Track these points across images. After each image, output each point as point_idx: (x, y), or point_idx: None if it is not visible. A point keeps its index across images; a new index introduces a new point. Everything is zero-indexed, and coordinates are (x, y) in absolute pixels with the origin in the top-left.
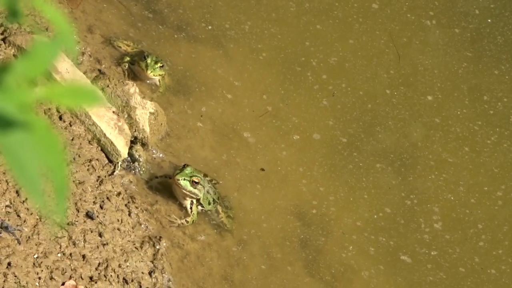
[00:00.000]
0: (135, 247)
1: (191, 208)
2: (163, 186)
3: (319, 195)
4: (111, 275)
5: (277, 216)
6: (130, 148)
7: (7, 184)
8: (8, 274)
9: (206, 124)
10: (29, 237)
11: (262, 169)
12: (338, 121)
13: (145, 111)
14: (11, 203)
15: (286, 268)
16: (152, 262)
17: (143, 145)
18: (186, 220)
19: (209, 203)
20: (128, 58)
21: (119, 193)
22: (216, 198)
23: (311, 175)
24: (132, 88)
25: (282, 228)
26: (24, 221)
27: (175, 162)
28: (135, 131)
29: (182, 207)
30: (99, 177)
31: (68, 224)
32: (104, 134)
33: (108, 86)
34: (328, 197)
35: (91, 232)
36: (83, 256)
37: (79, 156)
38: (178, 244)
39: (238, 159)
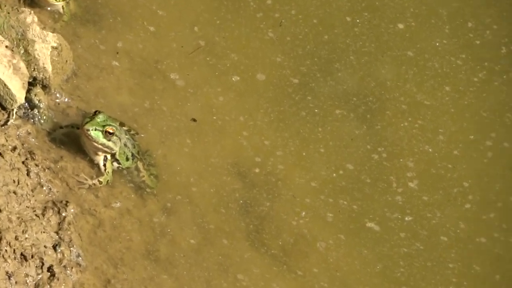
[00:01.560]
0: (36, 215)
1: (104, 165)
2: (70, 138)
3: (263, 150)
4: (6, 250)
5: (211, 177)
6: (28, 91)
7: None
8: None
9: (123, 62)
10: None
11: (194, 119)
12: (287, 58)
13: (46, 45)
14: None
15: (221, 242)
16: (57, 233)
17: (44, 87)
18: (98, 180)
19: (127, 159)
20: None
21: (14, 148)
22: (136, 153)
23: (254, 125)
24: (30, 16)
25: (217, 192)
26: None
27: (84, 109)
28: (34, 70)
29: (93, 164)
30: None
31: None
32: None
33: None
34: (275, 152)
35: None
36: None
37: None
38: (89, 210)
39: (164, 106)
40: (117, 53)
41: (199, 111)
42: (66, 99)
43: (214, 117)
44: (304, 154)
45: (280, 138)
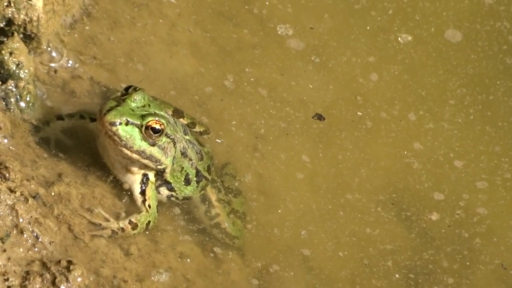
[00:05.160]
0: None
1: (143, 192)
2: (77, 138)
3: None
4: None
5: (340, 232)
6: None
7: None
8: None
9: None
10: None
11: (319, 116)
12: None
13: None
14: None
15: None
16: None
17: (29, 39)
18: (131, 223)
19: (188, 181)
20: None
21: None
22: (205, 170)
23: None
24: None
25: (349, 259)
26: None
27: (104, 82)
28: (9, 5)
29: (121, 189)
30: None
31: None
32: None
33: None
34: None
35: None
36: None
37: None
38: (113, 282)
39: (262, 86)
40: None
41: (332, 99)
42: (70, 63)
43: (359, 113)
44: None
45: None
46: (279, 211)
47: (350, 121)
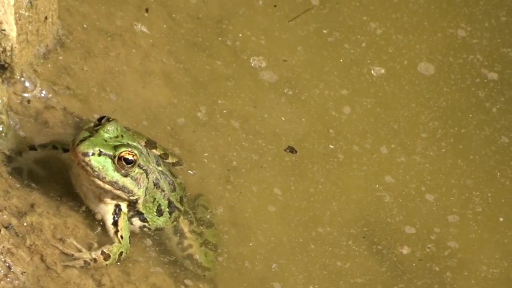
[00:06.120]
0: None
1: (115, 223)
2: (49, 169)
3: None
4: None
5: (311, 266)
6: None
7: None
8: None
9: (156, 23)
10: None
11: (291, 149)
12: None
13: None
14: None
15: None
16: None
17: (2, 68)
18: (103, 253)
19: (160, 212)
20: None
21: None
22: (177, 200)
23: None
24: None
25: None
26: None
27: (78, 112)
28: None
29: (94, 220)
30: None
31: None
32: None
33: None
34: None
35: None
36: None
37: None
38: None
39: (234, 118)
40: (146, 10)
41: (304, 132)
42: (43, 93)
43: (331, 146)
44: None
45: None
46: (251, 243)
47: (322, 154)
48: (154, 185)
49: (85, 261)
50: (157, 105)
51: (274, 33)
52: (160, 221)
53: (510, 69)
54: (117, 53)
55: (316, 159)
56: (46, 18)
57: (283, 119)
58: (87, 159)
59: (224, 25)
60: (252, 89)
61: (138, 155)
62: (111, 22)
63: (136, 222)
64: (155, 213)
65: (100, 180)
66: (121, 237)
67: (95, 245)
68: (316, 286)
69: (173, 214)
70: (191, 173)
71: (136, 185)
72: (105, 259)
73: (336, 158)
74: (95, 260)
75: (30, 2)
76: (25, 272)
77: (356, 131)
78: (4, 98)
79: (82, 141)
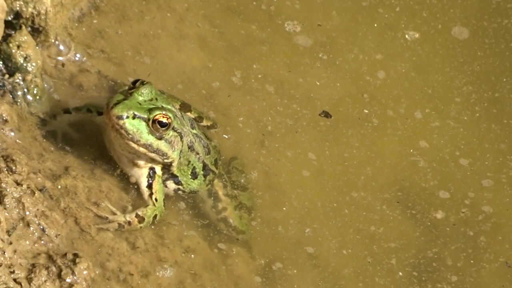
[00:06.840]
0: (16, 282)
1: (150, 186)
2: (84, 132)
3: None
4: None
5: (346, 229)
6: (5, 40)
7: None
8: None
9: None
10: None
11: (326, 113)
12: None
13: None
14: None
15: None
16: None
17: (37, 32)
18: (138, 216)
19: (195, 175)
20: None
21: None
22: (212, 163)
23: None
24: None
25: (353, 256)
26: None
27: (112, 75)
28: None
29: (128, 182)
30: None
31: None
32: None
33: None
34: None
35: None
36: None
37: None
38: (119, 275)
39: (269, 82)
40: None
41: (339, 96)
42: (77, 56)
43: (366, 110)
44: None
45: None
46: (284, 208)
47: (356, 119)
48: (189, 148)
49: (119, 224)
50: (191, 69)
51: None
52: (195, 184)
53: None
54: (151, 16)
55: (351, 123)
56: None
57: (318, 83)
58: (121, 122)
59: None
60: (287, 53)
61: (172, 118)
62: None
63: (171, 185)
64: (190, 176)
65: (135, 143)
66: (156, 200)
67: (130, 208)
68: (350, 250)
69: (208, 177)
70: (226, 137)
71: (170, 148)
72: (139, 222)
73: (370, 123)
74: (129, 223)
75: None
76: (59, 235)
77: (390, 96)
78: (38, 61)
79: (116, 104)
